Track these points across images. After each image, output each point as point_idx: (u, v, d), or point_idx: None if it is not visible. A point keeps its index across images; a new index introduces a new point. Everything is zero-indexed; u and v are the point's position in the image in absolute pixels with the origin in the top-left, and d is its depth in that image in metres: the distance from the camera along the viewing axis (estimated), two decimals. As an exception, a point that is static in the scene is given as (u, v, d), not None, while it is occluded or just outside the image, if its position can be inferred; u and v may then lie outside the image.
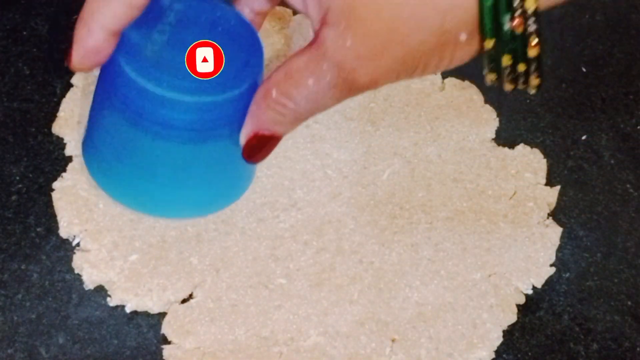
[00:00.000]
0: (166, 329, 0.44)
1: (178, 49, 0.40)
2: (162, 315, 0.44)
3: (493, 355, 0.44)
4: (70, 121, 0.50)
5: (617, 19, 0.59)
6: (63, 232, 0.46)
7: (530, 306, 0.46)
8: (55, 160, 0.49)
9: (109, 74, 0.40)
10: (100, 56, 0.39)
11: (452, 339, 0.44)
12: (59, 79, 0.52)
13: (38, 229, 0.47)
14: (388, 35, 0.35)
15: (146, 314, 0.44)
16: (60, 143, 0.49)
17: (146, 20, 0.39)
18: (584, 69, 0.56)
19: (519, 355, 0.44)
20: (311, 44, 0.37)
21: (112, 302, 0.44)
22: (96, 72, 0.41)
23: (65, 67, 0.39)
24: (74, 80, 0.52)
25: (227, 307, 0.44)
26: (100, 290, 0.45)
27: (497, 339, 0.44)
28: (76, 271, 0.45)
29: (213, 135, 0.40)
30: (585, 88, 0.55)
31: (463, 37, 0.35)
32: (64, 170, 0.48)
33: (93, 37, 0.38)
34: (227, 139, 0.41)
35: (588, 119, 0.54)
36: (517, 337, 0.45)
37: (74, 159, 0.49)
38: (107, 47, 0.38)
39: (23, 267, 0.45)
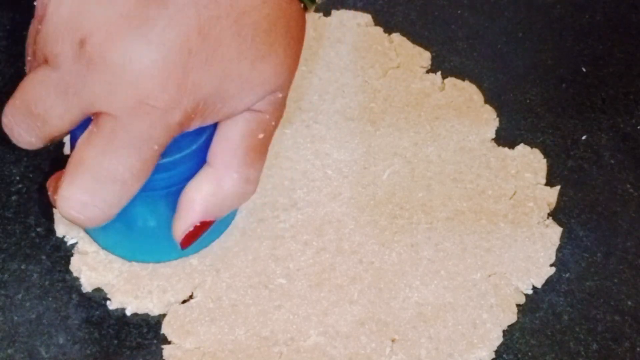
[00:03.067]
0: (166, 329, 0.44)
1: None
2: (162, 315, 0.44)
3: (493, 355, 0.44)
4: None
5: (617, 19, 0.59)
6: (60, 230, 0.46)
7: (530, 306, 0.46)
8: (55, 160, 0.49)
9: None
10: None
11: (452, 339, 0.44)
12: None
13: (38, 229, 0.47)
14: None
15: (146, 314, 0.44)
16: (60, 143, 0.49)
17: None
18: (584, 69, 0.56)
19: (519, 355, 0.44)
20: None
21: (112, 305, 0.44)
22: None
23: None
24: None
25: (227, 307, 0.44)
26: (100, 290, 0.45)
27: (497, 339, 0.44)
28: (74, 274, 0.45)
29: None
30: (585, 88, 0.55)
31: None
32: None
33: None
34: None
35: (588, 119, 0.54)
36: (517, 337, 0.45)
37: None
38: None
39: (23, 267, 0.45)
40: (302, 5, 0.40)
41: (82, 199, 0.37)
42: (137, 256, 0.45)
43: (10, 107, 0.38)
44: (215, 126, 0.41)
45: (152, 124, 0.36)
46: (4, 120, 0.39)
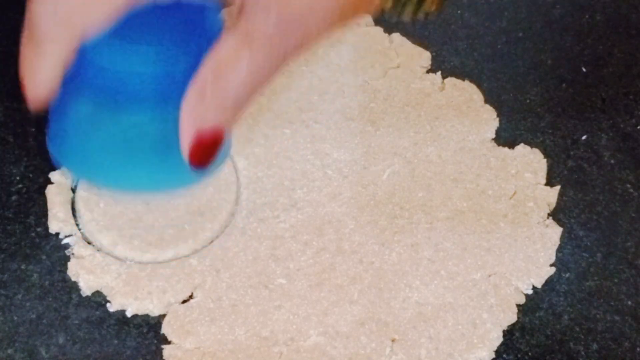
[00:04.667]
0: (166, 329, 0.44)
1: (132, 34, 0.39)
2: (162, 315, 0.44)
3: (493, 355, 0.44)
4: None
5: (617, 19, 0.59)
6: (54, 227, 0.46)
7: (530, 306, 0.46)
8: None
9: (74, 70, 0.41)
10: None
11: (452, 339, 0.44)
12: (59, 79, 0.52)
13: (38, 229, 0.47)
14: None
15: (146, 315, 0.44)
16: (60, 143, 0.49)
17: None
18: (584, 69, 0.56)
19: (519, 355, 0.44)
20: (233, 30, 0.36)
21: (112, 307, 0.44)
22: None
23: None
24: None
25: (227, 307, 0.44)
26: (100, 294, 0.45)
27: (497, 339, 0.45)
28: (73, 279, 0.45)
29: (180, 94, 0.38)
30: (585, 88, 0.55)
31: None
32: (64, 170, 0.48)
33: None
34: None
35: (588, 119, 0.54)
36: (517, 337, 0.45)
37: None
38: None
39: (23, 267, 0.45)
40: None
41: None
42: (125, 184, 0.41)
43: None
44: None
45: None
46: None
